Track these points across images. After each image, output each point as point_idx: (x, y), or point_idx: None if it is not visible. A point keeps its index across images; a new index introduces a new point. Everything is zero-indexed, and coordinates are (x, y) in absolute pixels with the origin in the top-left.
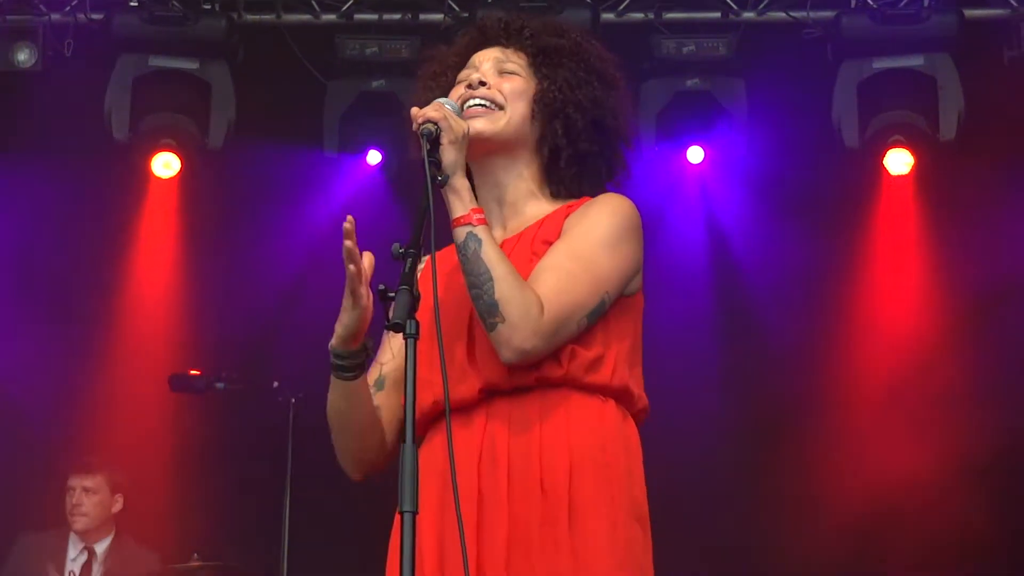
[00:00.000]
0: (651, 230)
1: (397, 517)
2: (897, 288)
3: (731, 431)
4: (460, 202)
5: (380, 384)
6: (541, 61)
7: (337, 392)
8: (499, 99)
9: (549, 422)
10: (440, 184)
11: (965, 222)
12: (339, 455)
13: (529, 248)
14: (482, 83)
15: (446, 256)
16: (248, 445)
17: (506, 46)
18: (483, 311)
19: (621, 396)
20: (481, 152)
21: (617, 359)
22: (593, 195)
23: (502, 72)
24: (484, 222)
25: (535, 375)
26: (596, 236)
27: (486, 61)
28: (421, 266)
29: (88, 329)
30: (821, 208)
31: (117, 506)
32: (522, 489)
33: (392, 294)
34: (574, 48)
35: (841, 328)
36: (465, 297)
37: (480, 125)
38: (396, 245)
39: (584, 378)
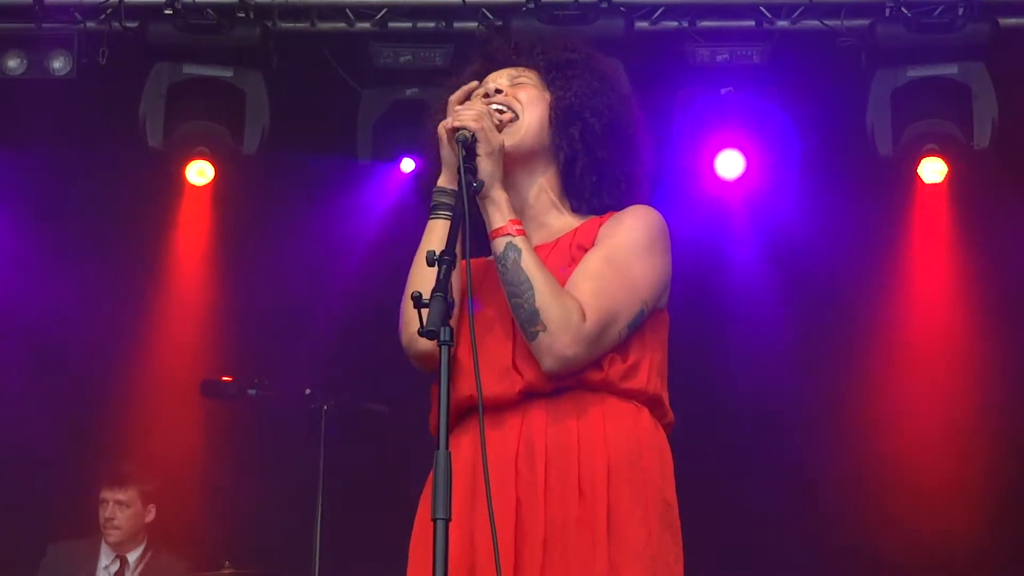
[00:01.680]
0: (681, 239)
1: (418, 521)
2: (931, 297)
3: (759, 447)
4: (499, 213)
5: None
6: (554, 75)
7: (435, 234)
8: (515, 106)
9: (586, 424)
10: (476, 191)
11: (999, 231)
12: (410, 323)
13: (567, 254)
14: (498, 90)
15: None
16: (280, 452)
17: (517, 65)
18: (524, 320)
19: (654, 405)
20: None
21: (651, 368)
22: (618, 209)
23: (516, 84)
24: (523, 232)
25: (575, 378)
26: (629, 244)
27: (500, 77)
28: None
29: (122, 335)
30: (855, 217)
31: (150, 516)
32: (560, 490)
33: (426, 301)
34: (585, 60)
35: (875, 336)
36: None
37: (503, 138)
38: (431, 252)
39: (621, 383)
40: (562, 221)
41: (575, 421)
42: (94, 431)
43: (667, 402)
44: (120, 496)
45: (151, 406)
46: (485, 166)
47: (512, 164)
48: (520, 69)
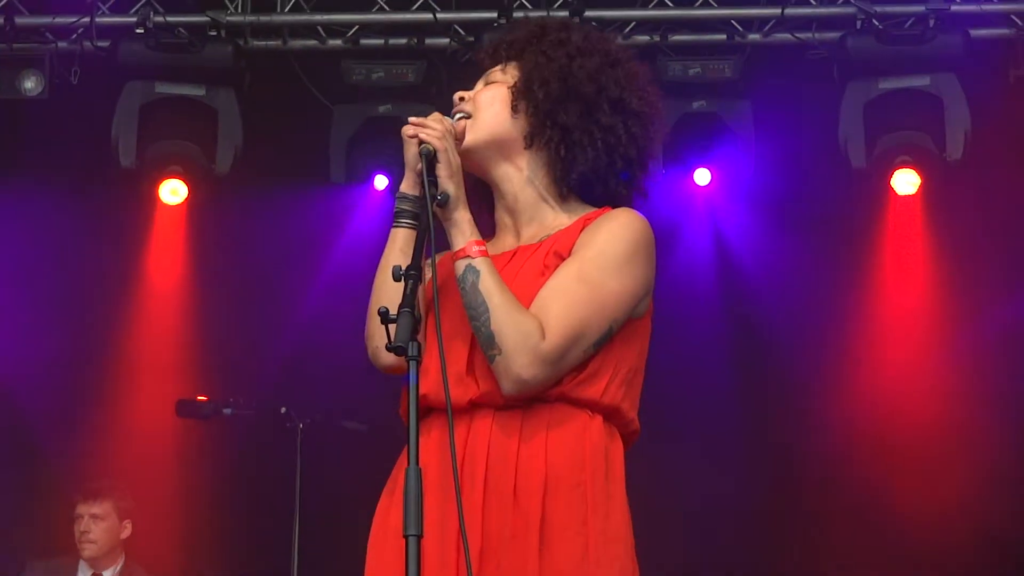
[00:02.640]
0: (659, 252)
1: (374, 529)
2: (905, 308)
3: (740, 451)
4: (460, 235)
5: None
6: (519, 59)
7: (396, 245)
8: (468, 108)
9: (529, 435)
10: (440, 203)
11: (973, 242)
12: (374, 336)
13: (541, 262)
14: (462, 99)
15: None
16: (256, 471)
17: (498, 63)
18: (483, 343)
19: (611, 415)
20: (476, 166)
21: (612, 378)
22: (612, 201)
23: (487, 83)
24: (484, 254)
25: None
26: (606, 258)
27: (479, 83)
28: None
29: (95, 355)
30: (828, 229)
31: (126, 532)
32: (496, 502)
33: (393, 317)
34: (537, 32)
35: (849, 348)
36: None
37: (463, 145)
38: (397, 267)
39: (574, 392)
40: (552, 216)
41: (517, 433)
42: (69, 451)
43: (630, 412)
44: (95, 510)
45: (127, 426)
46: (447, 187)
47: (486, 161)
48: (496, 69)
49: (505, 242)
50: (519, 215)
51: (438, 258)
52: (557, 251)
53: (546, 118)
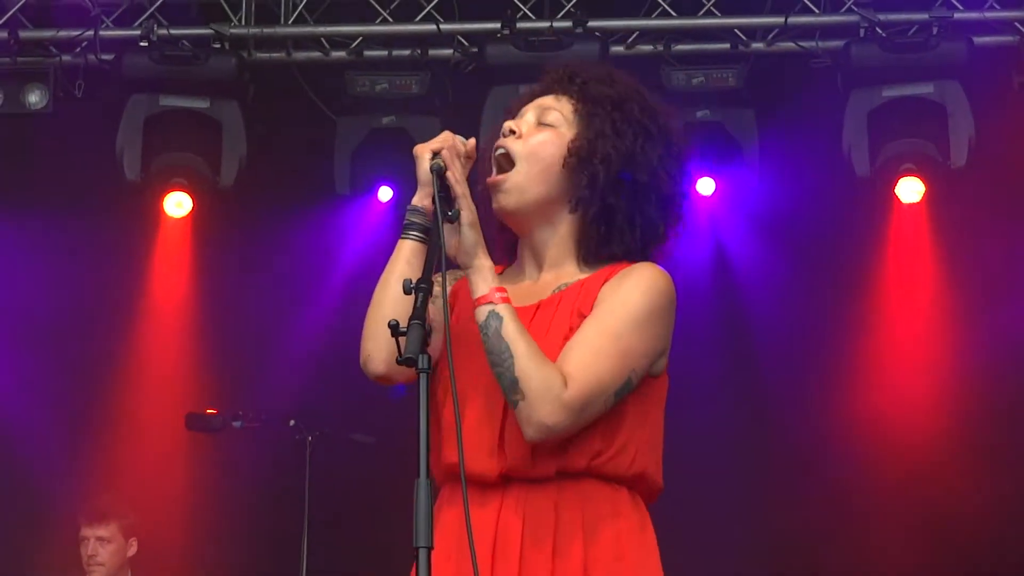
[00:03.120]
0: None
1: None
2: (910, 316)
3: (741, 462)
4: (483, 281)
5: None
6: (584, 111)
7: (402, 255)
8: (513, 153)
9: (565, 514)
10: (450, 219)
11: (978, 250)
12: (371, 340)
13: (567, 322)
14: (512, 131)
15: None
16: (265, 484)
17: (558, 93)
18: (506, 389)
19: (636, 483)
20: (513, 222)
21: (639, 447)
22: (630, 260)
23: (541, 123)
24: (507, 300)
25: (556, 466)
26: (627, 312)
27: (531, 110)
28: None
29: (102, 369)
30: (833, 237)
31: (132, 550)
32: None
33: (404, 330)
34: (618, 98)
35: (853, 355)
36: None
37: (501, 202)
38: (407, 280)
39: (605, 468)
40: (572, 267)
41: (552, 511)
42: (79, 465)
43: (656, 475)
44: (101, 532)
45: (136, 439)
46: (469, 238)
47: (525, 219)
48: (561, 99)
49: (523, 276)
50: (543, 260)
51: (452, 283)
52: (580, 311)
53: (597, 193)
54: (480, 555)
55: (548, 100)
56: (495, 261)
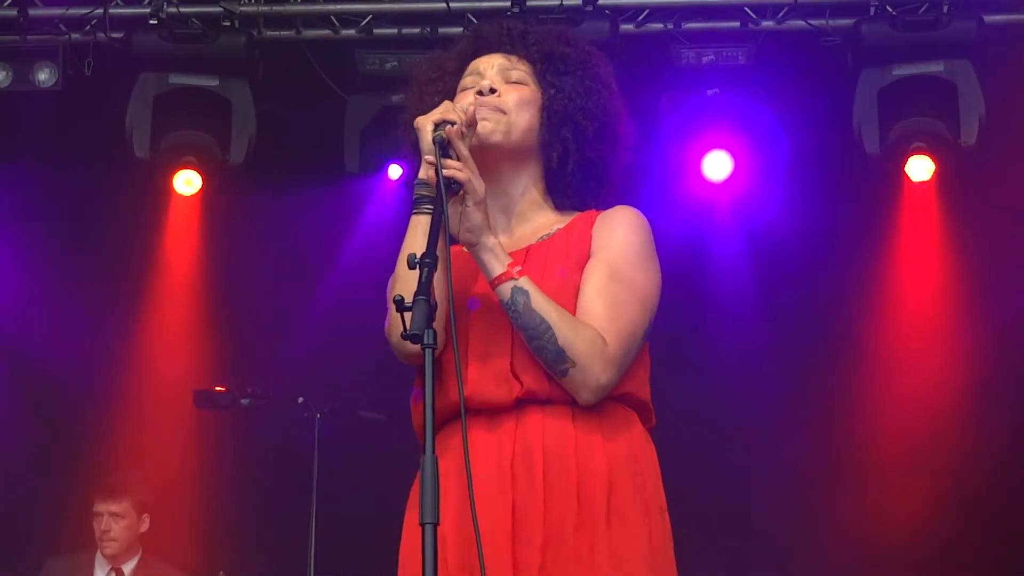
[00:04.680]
0: (668, 241)
1: (407, 526)
2: (920, 294)
3: (745, 438)
4: (496, 260)
5: None
6: (547, 69)
7: (419, 230)
8: (505, 108)
9: (584, 429)
10: (453, 192)
11: (988, 228)
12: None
13: (569, 258)
14: (492, 90)
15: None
16: (273, 461)
17: (509, 53)
18: (551, 360)
19: (642, 409)
20: (488, 163)
21: (643, 374)
22: (598, 207)
23: (508, 81)
24: (525, 273)
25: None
26: (630, 256)
27: (491, 67)
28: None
29: (112, 346)
30: (843, 215)
31: (144, 526)
32: (559, 494)
33: (409, 305)
34: (580, 56)
35: (864, 335)
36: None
37: (488, 128)
38: (412, 255)
39: (616, 390)
40: (546, 218)
41: (571, 427)
42: (87, 442)
43: (650, 405)
44: (114, 508)
45: (144, 417)
46: (475, 217)
47: (499, 161)
48: (512, 59)
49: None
50: (514, 216)
51: (452, 250)
52: (576, 256)
53: (576, 149)
54: (498, 478)
55: (500, 59)
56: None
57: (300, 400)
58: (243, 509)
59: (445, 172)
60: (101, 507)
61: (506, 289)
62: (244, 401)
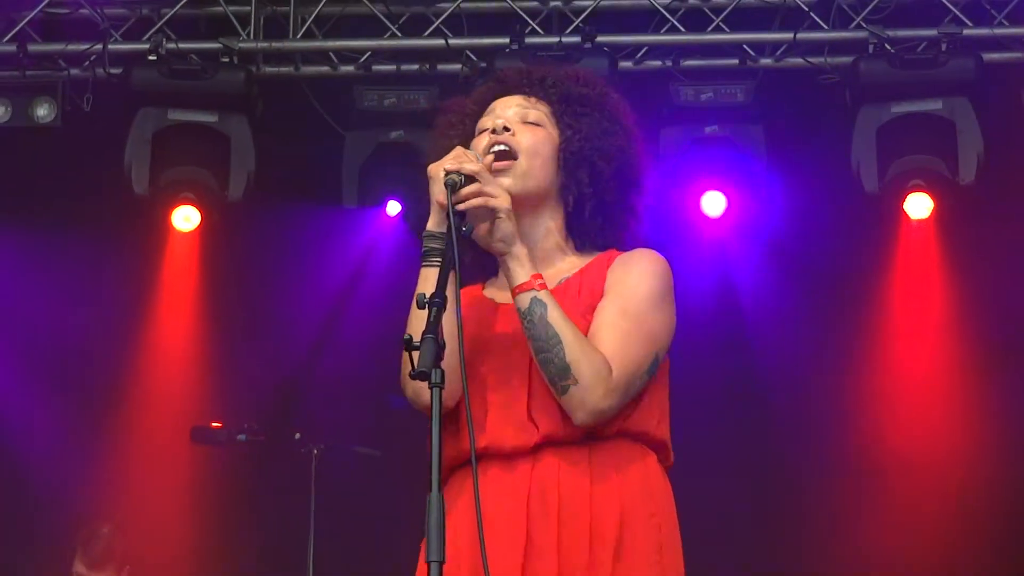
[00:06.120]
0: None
1: (420, 563)
2: (918, 333)
3: (744, 485)
4: (522, 268)
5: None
6: (564, 110)
7: (428, 283)
8: (516, 147)
9: (599, 470)
10: (464, 234)
11: (987, 266)
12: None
13: (583, 301)
14: (506, 128)
15: (485, 300)
16: (270, 497)
17: (528, 95)
18: (555, 374)
19: (660, 448)
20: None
21: (660, 410)
22: (619, 247)
23: (525, 122)
24: (546, 287)
25: (587, 430)
26: (643, 294)
27: (509, 108)
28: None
29: (109, 382)
30: (841, 253)
31: None
32: (572, 534)
33: (417, 344)
34: (598, 98)
35: (861, 373)
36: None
37: (505, 184)
38: (421, 295)
39: (634, 426)
40: (567, 262)
41: (587, 468)
42: (83, 478)
43: (670, 445)
44: None
45: (141, 452)
46: (506, 227)
47: (517, 207)
48: (531, 100)
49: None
50: (538, 262)
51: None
52: (591, 290)
53: (593, 192)
54: (514, 515)
55: (519, 100)
56: (473, 279)
57: (297, 436)
58: (240, 544)
59: (463, 204)
60: (83, 571)
61: (526, 298)
62: (241, 437)
